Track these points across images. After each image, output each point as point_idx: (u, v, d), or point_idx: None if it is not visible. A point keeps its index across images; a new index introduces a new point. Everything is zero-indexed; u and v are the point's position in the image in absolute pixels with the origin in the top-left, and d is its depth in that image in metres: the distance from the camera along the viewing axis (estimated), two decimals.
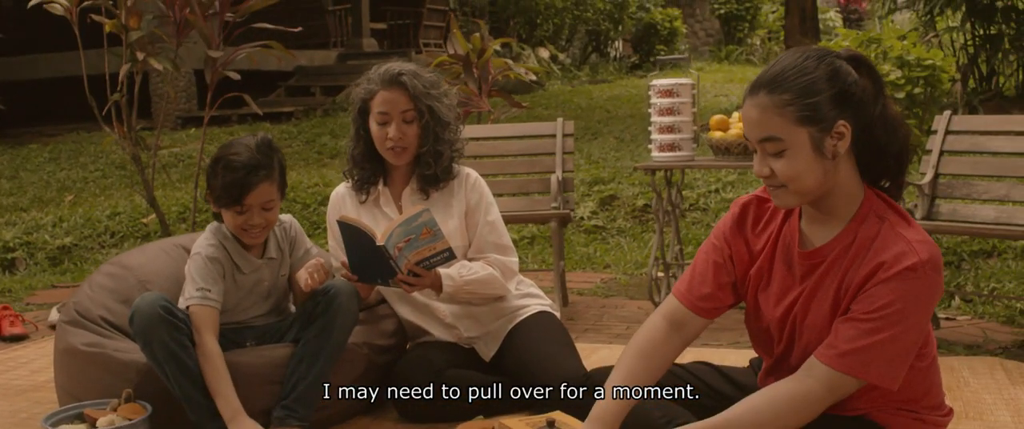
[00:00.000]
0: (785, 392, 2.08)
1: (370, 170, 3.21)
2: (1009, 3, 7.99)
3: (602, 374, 3.00)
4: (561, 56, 14.56)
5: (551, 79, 13.84)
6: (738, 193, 6.38)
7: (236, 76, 5.89)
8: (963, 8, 7.94)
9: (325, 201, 6.86)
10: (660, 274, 4.65)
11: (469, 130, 4.80)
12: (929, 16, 7.86)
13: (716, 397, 2.52)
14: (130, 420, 2.65)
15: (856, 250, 2.09)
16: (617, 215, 6.42)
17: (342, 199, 3.29)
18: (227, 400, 2.70)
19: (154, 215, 6.54)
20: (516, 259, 3.22)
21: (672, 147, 4.30)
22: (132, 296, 3.06)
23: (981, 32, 7.90)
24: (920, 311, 2.03)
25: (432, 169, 3.15)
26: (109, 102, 5.97)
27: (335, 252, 3.28)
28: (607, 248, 5.89)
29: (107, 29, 5.92)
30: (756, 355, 2.59)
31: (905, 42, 4.73)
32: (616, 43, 17.24)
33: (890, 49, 4.75)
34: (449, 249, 2.91)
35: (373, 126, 3.11)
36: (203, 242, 2.95)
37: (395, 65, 3.13)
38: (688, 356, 2.64)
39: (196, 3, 5.67)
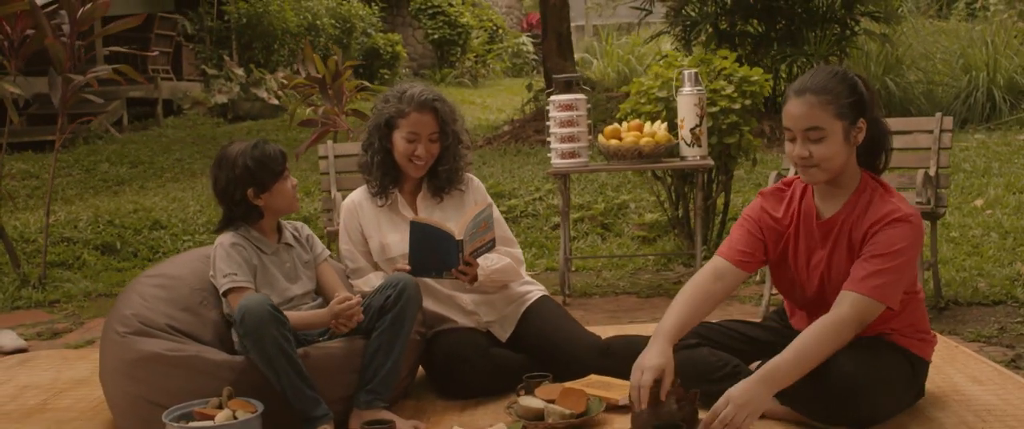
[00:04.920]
0: (822, 324, 2.73)
1: (390, 177, 3.53)
2: (742, 29, 9.28)
3: (620, 342, 3.56)
4: (297, 80, 14.72)
5: (293, 103, 13.97)
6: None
7: (99, 100, 5.83)
8: (707, 32, 9.14)
9: (155, 225, 6.84)
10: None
11: (347, 148, 5.11)
12: (686, 41, 8.96)
13: (751, 343, 3.16)
14: (252, 413, 2.84)
15: (858, 214, 2.86)
16: None
17: (358, 205, 3.58)
18: (315, 316, 3.13)
19: None
20: (520, 250, 3.67)
21: (572, 154, 4.88)
22: (191, 303, 3.23)
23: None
24: (910, 250, 2.77)
25: (449, 184, 3.53)
26: None
27: (351, 256, 3.56)
28: None
29: None
30: (772, 310, 3.30)
31: (733, 63, 5.56)
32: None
33: (722, 70, 5.57)
34: (493, 239, 3.34)
35: (400, 142, 3.45)
36: (221, 238, 3.22)
37: (423, 89, 3.48)
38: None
39: (48, 25, 5.58)
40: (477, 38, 20.70)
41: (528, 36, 23.71)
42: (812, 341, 2.70)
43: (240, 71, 13.51)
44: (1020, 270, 4.88)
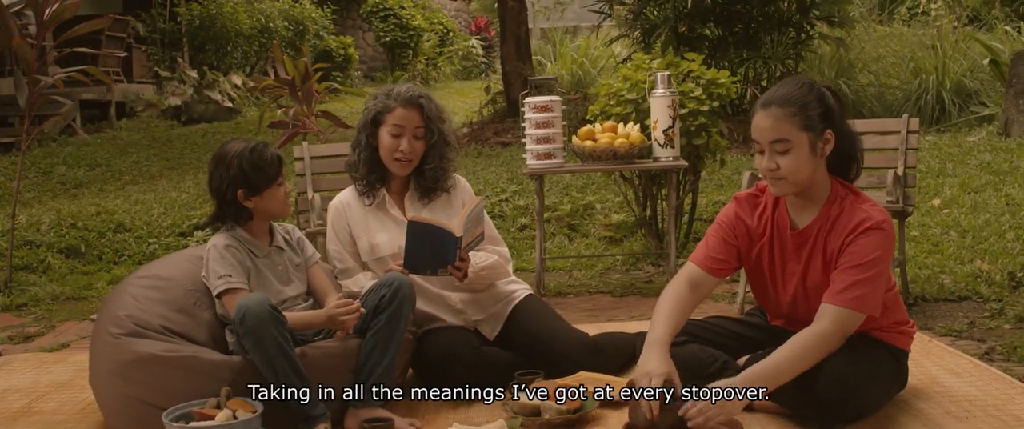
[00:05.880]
0: (806, 337, 2.79)
1: (376, 175, 3.56)
2: (701, 33, 9.41)
3: (606, 339, 3.62)
4: (250, 82, 14.62)
5: (246, 105, 13.89)
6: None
7: (67, 102, 5.76)
8: (665, 35, 9.25)
9: (119, 227, 6.78)
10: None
11: (319, 149, 5.13)
12: (645, 44, 9.07)
13: (738, 339, 3.23)
14: (252, 413, 2.85)
15: (830, 225, 2.90)
16: None
17: (347, 206, 3.60)
18: (312, 317, 3.13)
19: None
20: (507, 249, 3.71)
21: (548, 156, 4.94)
22: (185, 304, 3.23)
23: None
24: (885, 257, 2.84)
25: (435, 184, 3.56)
26: None
27: (340, 256, 3.58)
28: None
29: None
30: (752, 308, 3.37)
31: (700, 66, 5.65)
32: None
33: (689, 72, 5.66)
34: (483, 233, 3.40)
35: (385, 137, 3.48)
36: (214, 239, 3.21)
37: (412, 87, 3.53)
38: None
39: (14, 26, 5.52)
40: (428, 41, 20.70)
41: (477, 39, 23.77)
42: (796, 353, 2.76)
43: (193, 73, 13.39)
44: (981, 267, 5.03)
